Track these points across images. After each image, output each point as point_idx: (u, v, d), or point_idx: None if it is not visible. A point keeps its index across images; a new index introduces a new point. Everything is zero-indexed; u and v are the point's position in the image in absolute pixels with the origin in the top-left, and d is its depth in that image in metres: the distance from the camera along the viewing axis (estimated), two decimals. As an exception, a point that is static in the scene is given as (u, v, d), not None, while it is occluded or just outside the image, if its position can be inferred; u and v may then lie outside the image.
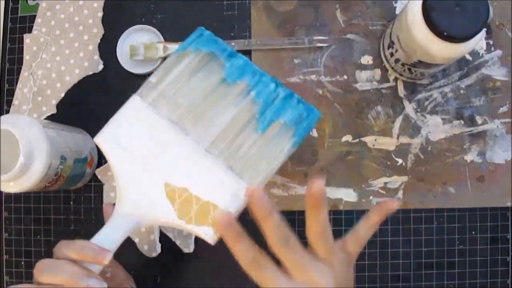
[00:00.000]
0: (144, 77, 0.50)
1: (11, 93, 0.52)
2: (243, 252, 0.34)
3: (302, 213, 0.49)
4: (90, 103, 0.52)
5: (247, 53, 0.51)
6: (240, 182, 0.34)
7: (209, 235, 0.34)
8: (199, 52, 0.36)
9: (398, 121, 0.50)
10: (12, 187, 0.40)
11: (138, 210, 0.34)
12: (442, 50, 0.39)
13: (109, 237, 0.34)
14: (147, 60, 0.50)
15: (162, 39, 0.51)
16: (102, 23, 0.53)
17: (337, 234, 0.49)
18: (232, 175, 0.34)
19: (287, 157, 0.35)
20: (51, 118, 0.52)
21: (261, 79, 0.36)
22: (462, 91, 0.50)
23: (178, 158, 0.34)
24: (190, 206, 0.33)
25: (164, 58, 0.49)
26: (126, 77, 0.51)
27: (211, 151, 0.34)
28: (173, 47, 0.50)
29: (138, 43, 0.50)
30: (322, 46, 0.50)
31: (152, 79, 0.35)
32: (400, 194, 0.49)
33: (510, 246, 0.49)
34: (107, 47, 0.52)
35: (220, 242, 0.46)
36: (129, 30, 0.51)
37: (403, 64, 0.45)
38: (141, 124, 0.35)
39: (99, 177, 0.51)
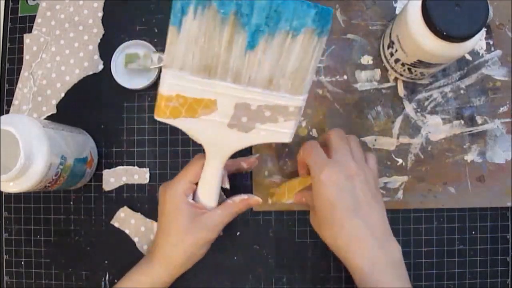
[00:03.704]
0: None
1: (11, 93, 0.52)
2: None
3: (302, 213, 0.49)
4: (90, 103, 0.52)
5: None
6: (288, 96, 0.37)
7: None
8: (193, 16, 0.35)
9: (398, 121, 0.50)
10: (12, 187, 0.40)
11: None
12: (442, 50, 0.39)
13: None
14: (142, 70, 0.50)
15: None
16: (102, 23, 0.53)
17: (337, 234, 0.49)
18: (280, 94, 0.36)
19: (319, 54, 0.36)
20: (51, 118, 0.52)
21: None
22: (462, 91, 0.50)
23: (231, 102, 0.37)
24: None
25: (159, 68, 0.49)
26: (126, 77, 0.51)
27: (250, 86, 0.36)
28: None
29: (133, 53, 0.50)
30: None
31: (168, 56, 0.35)
32: (400, 194, 0.49)
33: (510, 246, 0.49)
34: (107, 47, 0.52)
35: (220, 242, 0.46)
36: (123, 45, 0.51)
37: (403, 64, 0.45)
38: (190, 89, 0.36)
39: (116, 224, 0.51)
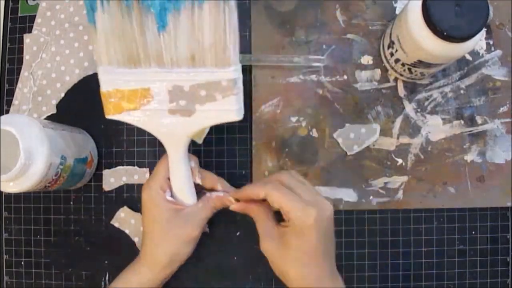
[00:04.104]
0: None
1: (11, 93, 0.52)
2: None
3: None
4: (90, 103, 0.52)
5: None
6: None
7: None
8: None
9: (398, 121, 0.50)
10: (12, 187, 0.40)
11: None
12: (442, 50, 0.39)
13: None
14: None
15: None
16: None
17: (337, 234, 0.49)
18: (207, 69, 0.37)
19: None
20: (51, 118, 0.52)
21: None
22: (462, 91, 0.50)
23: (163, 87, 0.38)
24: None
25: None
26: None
27: (175, 68, 0.37)
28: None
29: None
30: (322, 46, 0.50)
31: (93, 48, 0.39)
32: (400, 194, 0.49)
33: (510, 246, 0.49)
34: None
35: (220, 243, 0.47)
36: None
37: (403, 64, 0.45)
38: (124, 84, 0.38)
39: (116, 224, 0.51)
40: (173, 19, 0.35)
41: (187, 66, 0.36)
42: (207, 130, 0.45)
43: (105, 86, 0.38)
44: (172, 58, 0.36)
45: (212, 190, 0.43)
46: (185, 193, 0.41)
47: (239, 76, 0.37)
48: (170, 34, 0.35)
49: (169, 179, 0.41)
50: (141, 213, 0.50)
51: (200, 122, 0.38)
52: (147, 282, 0.41)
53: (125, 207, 0.50)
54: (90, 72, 0.52)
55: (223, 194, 0.42)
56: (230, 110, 0.38)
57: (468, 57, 0.50)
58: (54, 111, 0.52)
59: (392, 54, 0.46)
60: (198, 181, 0.43)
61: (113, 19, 0.35)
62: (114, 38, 0.36)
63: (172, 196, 0.42)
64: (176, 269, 0.42)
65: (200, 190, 0.43)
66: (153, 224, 0.41)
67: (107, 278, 0.50)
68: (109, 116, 0.39)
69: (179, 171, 0.41)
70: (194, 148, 0.51)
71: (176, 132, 0.39)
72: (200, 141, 0.45)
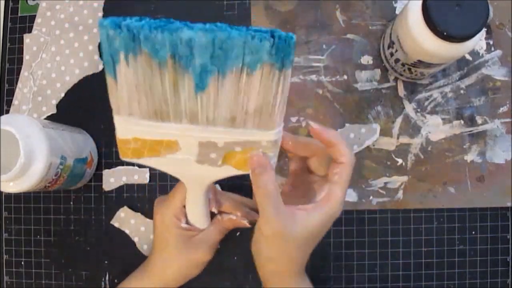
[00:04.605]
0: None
1: (11, 93, 0.52)
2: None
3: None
4: (90, 103, 0.52)
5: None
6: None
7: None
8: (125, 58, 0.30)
9: (398, 121, 0.50)
10: (12, 187, 0.40)
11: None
12: (442, 50, 0.39)
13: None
14: None
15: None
16: (102, 23, 0.53)
17: (337, 234, 0.49)
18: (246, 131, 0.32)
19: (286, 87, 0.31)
20: (51, 118, 0.52)
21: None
22: (462, 91, 0.50)
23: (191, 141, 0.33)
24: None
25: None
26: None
27: (211, 126, 0.32)
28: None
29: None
30: (322, 46, 0.50)
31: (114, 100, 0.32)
32: (400, 194, 0.49)
33: (510, 246, 0.49)
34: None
35: (220, 243, 0.46)
36: None
37: (403, 64, 0.45)
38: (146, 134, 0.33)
39: (116, 224, 0.51)
40: (215, 82, 0.29)
41: (225, 126, 0.32)
42: None
43: (123, 133, 0.33)
44: (209, 117, 0.31)
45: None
46: (200, 222, 0.40)
47: (280, 136, 0.33)
48: (210, 97, 0.30)
49: (184, 206, 0.39)
50: (141, 213, 0.50)
51: (228, 172, 0.35)
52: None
53: (125, 207, 0.50)
54: (90, 72, 0.52)
55: (235, 218, 0.41)
56: None
57: (468, 57, 0.50)
58: (54, 111, 0.52)
59: (392, 54, 0.46)
60: (214, 210, 0.40)
61: (139, 75, 0.29)
62: (140, 93, 0.30)
63: (186, 222, 0.40)
64: (182, 283, 0.42)
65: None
66: (165, 246, 0.40)
67: (107, 278, 0.50)
68: (126, 159, 0.34)
69: (197, 206, 0.38)
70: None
71: (201, 177, 0.36)
72: None
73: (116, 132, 0.33)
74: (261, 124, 0.31)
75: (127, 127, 0.33)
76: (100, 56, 0.52)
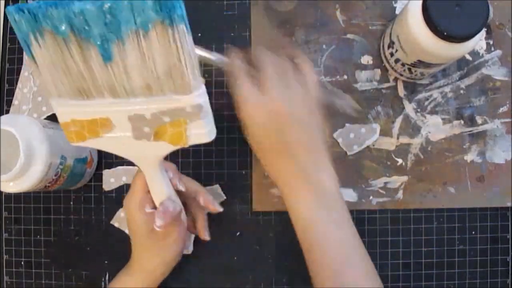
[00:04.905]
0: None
1: (11, 93, 0.52)
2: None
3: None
4: (90, 103, 0.52)
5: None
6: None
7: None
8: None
9: (398, 121, 0.50)
10: (12, 187, 0.40)
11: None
12: (442, 50, 0.39)
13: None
14: None
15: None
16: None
17: (337, 234, 0.49)
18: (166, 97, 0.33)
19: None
20: (51, 118, 0.52)
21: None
22: (462, 91, 0.50)
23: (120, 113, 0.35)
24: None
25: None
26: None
27: (132, 98, 0.34)
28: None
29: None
30: (322, 46, 0.50)
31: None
32: (400, 194, 0.49)
33: (510, 246, 0.49)
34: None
35: (219, 243, 0.47)
36: None
37: (403, 64, 0.45)
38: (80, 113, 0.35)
39: (116, 224, 0.51)
40: (118, 50, 0.31)
41: (144, 96, 0.33)
42: None
43: (62, 117, 0.36)
44: (126, 89, 0.33)
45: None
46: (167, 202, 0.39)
47: (205, 99, 0.33)
48: (119, 65, 0.32)
49: (149, 192, 0.39)
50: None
51: (167, 148, 0.36)
52: (141, 283, 0.42)
53: (125, 207, 0.50)
54: (90, 72, 0.52)
55: (209, 198, 0.42)
56: (200, 134, 0.35)
57: (468, 57, 0.50)
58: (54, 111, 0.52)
59: (392, 54, 0.46)
60: (181, 188, 0.41)
61: (52, 53, 0.32)
62: (58, 72, 0.33)
63: (154, 207, 0.40)
64: (168, 271, 0.43)
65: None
66: (135, 237, 0.41)
67: (107, 278, 0.50)
68: (74, 143, 0.37)
69: (158, 186, 0.39)
70: (194, 148, 0.51)
71: (146, 154, 0.37)
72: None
73: (58, 117, 0.36)
74: (177, 88, 0.32)
75: (63, 110, 0.35)
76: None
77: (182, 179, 0.41)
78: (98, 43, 0.31)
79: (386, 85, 0.50)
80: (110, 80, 0.33)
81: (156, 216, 0.37)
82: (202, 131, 0.34)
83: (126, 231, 0.50)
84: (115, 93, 0.33)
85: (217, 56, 0.40)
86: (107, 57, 0.32)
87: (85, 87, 0.33)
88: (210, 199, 0.42)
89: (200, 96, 0.33)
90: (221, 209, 0.42)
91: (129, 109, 0.34)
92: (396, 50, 0.44)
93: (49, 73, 0.33)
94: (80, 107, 0.34)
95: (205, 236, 0.45)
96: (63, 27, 0.30)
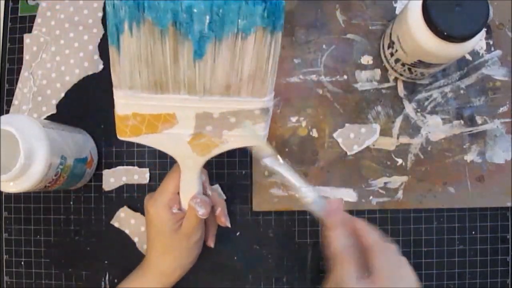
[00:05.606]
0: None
1: (11, 93, 0.52)
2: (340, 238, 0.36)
3: (302, 213, 0.49)
4: (90, 103, 0.52)
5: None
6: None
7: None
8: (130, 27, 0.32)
9: (398, 121, 0.50)
10: (12, 187, 0.40)
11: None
12: (442, 50, 0.39)
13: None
14: None
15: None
16: (102, 23, 0.53)
17: (337, 234, 0.49)
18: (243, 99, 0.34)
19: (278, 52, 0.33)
20: (51, 118, 0.52)
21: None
22: (462, 91, 0.50)
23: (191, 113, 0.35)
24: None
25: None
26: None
27: (207, 96, 0.34)
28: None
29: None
30: (322, 46, 0.50)
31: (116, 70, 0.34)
32: (400, 194, 0.49)
33: (510, 246, 0.49)
34: (107, 47, 0.52)
35: (220, 243, 0.47)
36: None
37: (403, 64, 0.45)
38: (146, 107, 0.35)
39: (116, 224, 0.51)
40: (212, 49, 0.32)
41: (220, 95, 0.34)
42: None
43: (123, 110, 0.35)
44: (205, 86, 0.33)
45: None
46: None
47: (272, 104, 0.35)
48: (207, 64, 0.32)
49: (178, 193, 0.40)
50: (141, 213, 0.50)
51: (222, 147, 0.37)
52: (157, 285, 0.42)
53: (125, 207, 0.50)
54: (90, 72, 0.52)
55: (218, 211, 0.42)
56: (257, 136, 0.36)
57: (468, 57, 0.50)
58: (54, 111, 0.52)
59: (392, 54, 0.46)
60: (210, 193, 0.42)
61: (142, 44, 0.32)
62: (141, 63, 0.32)
63: (180, 209, 0.40)
64: (183, 274, 0.43)
65: None
66: (158, 236, 0.41)
67: (107, 278, 0.50)
68: (124, 138, 0.36)
69: (192, 188, 0.39)
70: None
71: (194, 156, 0.37)
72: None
73: (116, 109, 0.35)
74: (254, 91, 0.34)
75: (127, 103, 0.35)
76: (104, 28, 0.52)
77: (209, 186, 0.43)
78: (196, 39, 0.31)
79: (386, 85, 0.50)
80: (193, 76, 0.33)
81: (196, 207, 0.38)
82: (260, 134, 0.36)
83: (126, 231, 0.50)
84: (193, 89, 0.34)
85: (317, 199, 0.38)
86: (199, 54, 0.32)
87: (163, 81, 0.33)
88: (225, 213, 0.43)
89: (270, 101, 0.35)
90: (229, 225, 0.43)
91: (200, 106, 0.34)
92: (396, 50, 0.44)
93: (129, 63, 0.33)
94: (150, 100, 0.34)
95: (211, 244, 0.46)
96: (166, 20, 0.31)
